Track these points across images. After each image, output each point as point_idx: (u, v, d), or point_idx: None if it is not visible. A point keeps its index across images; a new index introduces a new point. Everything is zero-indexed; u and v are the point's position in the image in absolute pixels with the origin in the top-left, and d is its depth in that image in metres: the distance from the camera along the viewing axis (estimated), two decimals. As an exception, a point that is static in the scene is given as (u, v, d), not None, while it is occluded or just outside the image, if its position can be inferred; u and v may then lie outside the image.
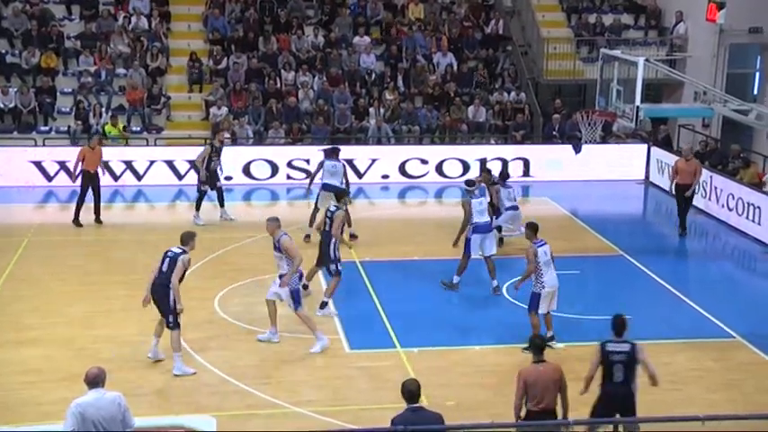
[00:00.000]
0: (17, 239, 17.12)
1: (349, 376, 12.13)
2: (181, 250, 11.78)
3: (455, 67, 25.54)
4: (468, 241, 14.93)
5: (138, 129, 23.48)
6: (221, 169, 18.79)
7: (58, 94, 23.90)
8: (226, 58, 24.86)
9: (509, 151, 23.00)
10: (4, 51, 24.31)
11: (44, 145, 22.31)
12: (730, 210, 19.28)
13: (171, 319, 11.71)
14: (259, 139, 23.23)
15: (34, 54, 24.14)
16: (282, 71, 24.84)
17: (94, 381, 8.02)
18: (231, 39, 25.43)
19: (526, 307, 14.33)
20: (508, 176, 17.52)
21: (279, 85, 24.52)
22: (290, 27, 25.94)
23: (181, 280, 11.76)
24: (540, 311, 12.84)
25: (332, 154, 17.45)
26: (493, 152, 22.88)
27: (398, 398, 11.29)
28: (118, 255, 16.72)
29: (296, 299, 12.59)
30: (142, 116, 23.67)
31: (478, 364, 12.56)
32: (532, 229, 12.94)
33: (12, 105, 23.15)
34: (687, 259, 18.25)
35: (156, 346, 12.12)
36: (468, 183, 15.39)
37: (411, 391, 8.52)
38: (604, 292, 15.51)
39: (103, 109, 23.35)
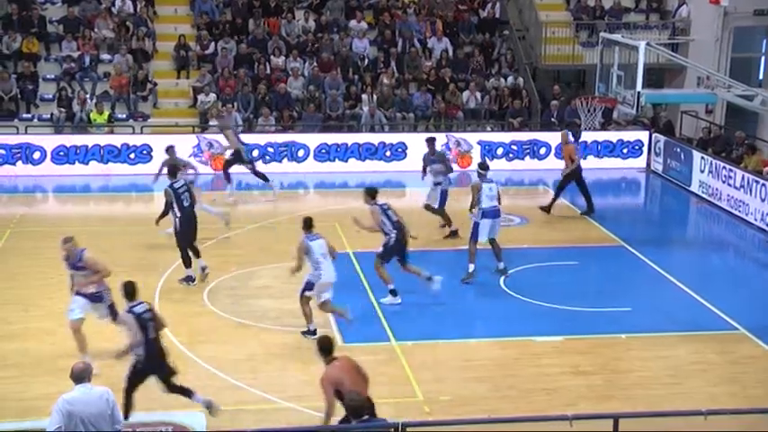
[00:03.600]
0: (-2, 230, 16.63)
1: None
2: None
3: (450, 53, 25.02)
4: (476, 226, 14.60)
5: (124, 116, 22.91)
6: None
7: (40, 80, 23.31)
8: (214, 43, 24.29)
9: (507, 137, 22.60)
10: (-18, 36, 23.72)
11: (26, 133, 21.73)
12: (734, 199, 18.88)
13: None
14: (248, 127, 22.69)
15: (15, 39, 23.52)
16: (272, 56, 24.28)
17: (81, 376, 7.85)
18: (219, 23, 24.85)
19: (524, 299, 13.99)
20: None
21: (268, 70, 23.96)
22: (279, 11, 25.38)
23: None
24: (319, 300, 12.36)
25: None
26: (490, 138, 22.48)
27: (392, 392, 11.00)
28: (101, 246, 16.19)
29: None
30: (127, 103, 23.08)
31: (474, 357, 12.22)
32: (307, 224, 12.52)
33: (-7, 92, 22.56)
34: (689, 249, 17.83)
35: None
36: (482, 166, 15.10)
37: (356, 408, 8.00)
38: (603, 284, 15.09)
39: (88, 96, 22.76)
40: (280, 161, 21.87)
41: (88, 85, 23.21)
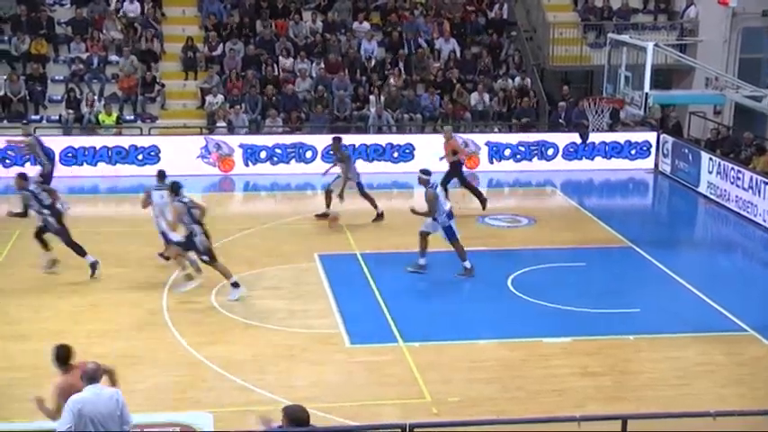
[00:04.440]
0: (8, 232, 16.60)
1: (349, 371, 11.73)
2: None
3: (458, 53, 25.00)
4: (449, 229, 14.70)
5: (132, 117, 22.94)
6: None
7: (48, 81, 23.35)
8: (221, 45, 24.31)
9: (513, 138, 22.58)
10: (-7, 38, 23.77)
11: (35, 134, 21.74)
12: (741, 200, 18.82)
13: None
14: (256, 128, 22.70)
15: (24, 40, 23.58)
16: (280, 57, 24.29)
17: (92, 376, 7.86)
18: (227, 24, 24.87)
19: (532, 300, 13.95)
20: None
21: (276, 72, 23.97)
22: (287, 12, 25.39)
23: None
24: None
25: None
26: (497, 139, 22.47)
27: (399, 393, 10.99)
28: (109, 247, 16.23)
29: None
30: (135, 104, 23.12)
31: (482, 358, 12.17)
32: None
33: (1, 93, 22.59)
34: (697, 250, 17.76)
35: None
36: (425, 172, 14.97)
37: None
38: (611, 285, 15.03)
39: (96, 97, 22.81)
40: (288, 162, 21.88)
41: (96, 86, 23.25)
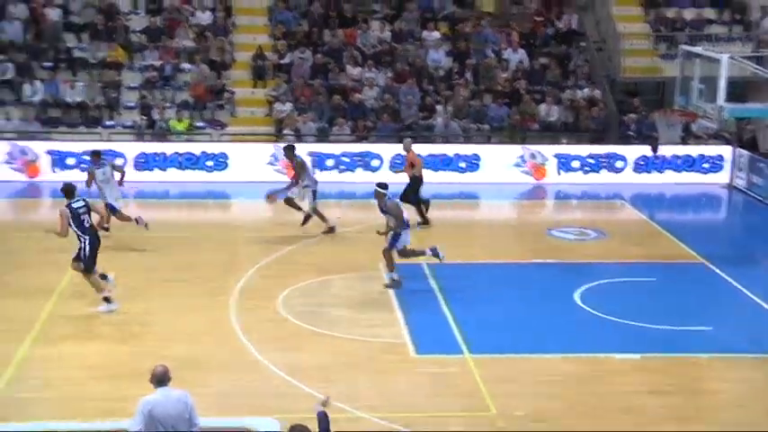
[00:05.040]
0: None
1: (414, 381, 11.66)
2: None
3: (526, 64, 24.83)
4: (397, 236, 14.45)
5: (202, 125, 23.26)
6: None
7: (123, 88, 23.80)
8: (290, 53, 24.51)
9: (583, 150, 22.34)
10: (71, 45, 24.28)
11: (109, 140, 22.22)
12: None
13: None
14: (323, 136, 22.83)
15: (101, 48, 24.08)
16: (347, 66, 24.39)
17: (161, 378, 7.99)
18: (296, 33, 25.07)
19: (600, 315, 13.76)
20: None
21: (344, 80, 24.08)
22: (355, 21, 25.50)
23: None
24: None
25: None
26: (566, 151, 22.25)
27: (464, 405, 10.90)
28: (178, 252, 16.45)
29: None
30: (204, 111, 23.43)
31: (548, 373, 11.99)
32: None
33: (79, 100, 23.10)
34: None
35: None
36: (383, 185, 14.76)
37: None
38: (682, 301, 14.71)
39: (168, 104, 23.18)
40: (354, 171, 21.95)
41: (168, 93, 23.63)
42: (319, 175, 21.77)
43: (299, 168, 17.49)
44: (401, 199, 17.19)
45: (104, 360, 11.78)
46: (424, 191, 18.50)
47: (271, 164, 21.68)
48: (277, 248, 16.34)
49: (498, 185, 21.78)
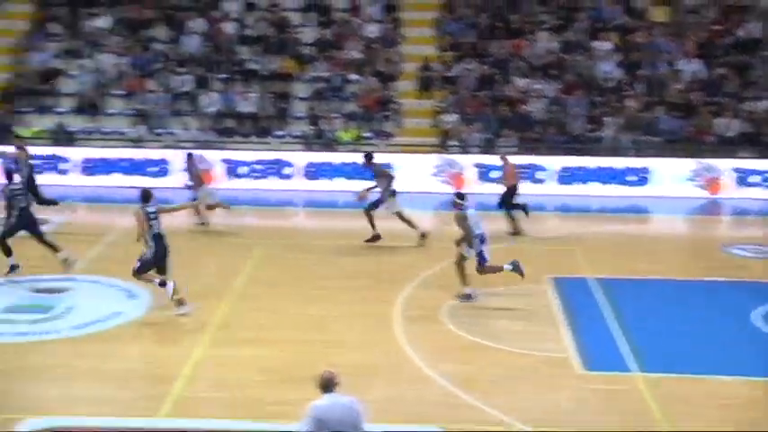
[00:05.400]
0: (252, 242, 17.40)
1: (582, 398, 11.34)
2: None
3: (702, 74, 23.89)
4: (481, 254, 14.08)
5: (369, 135, 23.58)
6: None
7: (293, 99, 24.44)
8: (457, 64, 24.52)
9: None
10: (245, 58, 25.14)
11: (279, 149, 22.86)
12: None
13: None
14: (489, 148, 22.69)
15: (272, 60, 24.82)
16: (514, 77, 24.18)
17: (328, 384, 8.04)
18: (462, 44, 25.07)
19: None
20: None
21: (510, 91, 23.88)
22: (522, 32, 25.26)
23: None
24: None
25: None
26: (745, 165, 21.28)
27: (634, 425, 10.49)
28: (344, 259, 16.69)
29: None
30: (371, 122, 23.75)
31: (724, 395, 11.39)
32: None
33: (251, 110, 23.89)
34: None
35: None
36: (460, 196, 14.36)
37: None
38: None
39: (336, 115, 23.64)
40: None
41: (336, 104, 24.09)
42: (485, 187, 21.75)
43: (383, 177, 17.48)
44: (498, 206, 17.43)
45: (276, 363, 11.99)
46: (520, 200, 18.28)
47: (436, 175, 21.72)
48: (441, 258, 16.29)
49: (670, 199, 21.05)
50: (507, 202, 18.14)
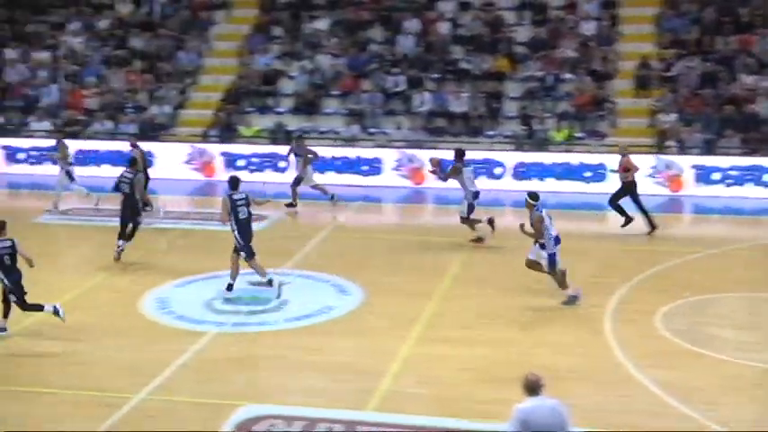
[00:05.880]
0: (460, 241, 17.42)
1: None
2: None
3: None
4: (553, 256, 13.70)
5: (582, 135, 23.06)
6: None
7: (505, 99, 24.29)
8: (678, 62, 23.51)
9: None
10: (458, 57, 25.23)
11: (490, 149, 22.78)
12: None
13: None
14: (709, 149, 21.62)
15: (485, 60, 24.78)
16: (741, 75, 22.90)
17: (534, 387, 7.95)
18: (684, 41, 24.02)
19: None
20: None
21: (736, 89, 22.63)
22: (752, 26, 23.88)
23: None
24: None
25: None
26: None
27: None
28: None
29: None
30: (584, 122, 23.21)
31: None
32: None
33: (463, 110, 23.95)
34: None
35: None
36: (533, 196, 13.99)
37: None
38: None
39: (548, 114, 23.29)
40: (742, 185, 20.65)
41: (549, 104, 23.73)
42: (704, 189, 20.79)
43: (453, 175, 17.17)
44: (609, 203, 17.14)
45: (482, 363, 11.94)
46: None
47: (651, 176, 20.95)
48: (655, 263, 15.70)
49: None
50: (616, 198, 17.67)
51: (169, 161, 23.22)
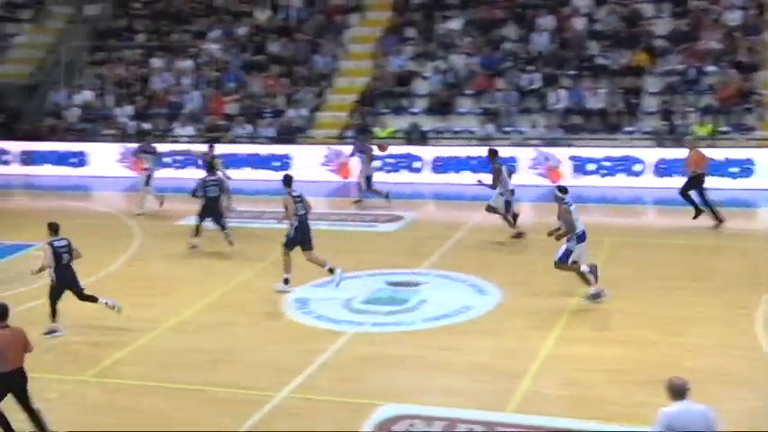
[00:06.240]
0: (599, 240, 17.03)
1: None
2: None
3: None
4: (567, 250, 13.40)
5: (726, 129, 22.20)
6: None
7: (644, 94, 23.64)
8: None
9: None
10: (594, 53, 24.72)
11: (629, 145, 22.23)
12: None
13: None
14: None
15: (623, 55, 24.17)
16: None
17: (680, 391, 7.71)
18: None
19: None
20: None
21: None
22: None
23: None
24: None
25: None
26: None
27: None
28: (698, 260, 15.82)
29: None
30: (730, 115, 22.33)
31: None
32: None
33: (600, 106, 23.45)
34: None
35: None
36: (562, 189, 13.77)
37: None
38: None
39: (690, 109, 22.52)
40: None
41: (691, 98, 22.95)
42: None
43: (495, 174, 16.91)
44: (680, 193, 16.76)
45: (623, 364, 11.63)
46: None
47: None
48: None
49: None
50: (686, 189, 17.29)
51: (306, 163, 23.62)
